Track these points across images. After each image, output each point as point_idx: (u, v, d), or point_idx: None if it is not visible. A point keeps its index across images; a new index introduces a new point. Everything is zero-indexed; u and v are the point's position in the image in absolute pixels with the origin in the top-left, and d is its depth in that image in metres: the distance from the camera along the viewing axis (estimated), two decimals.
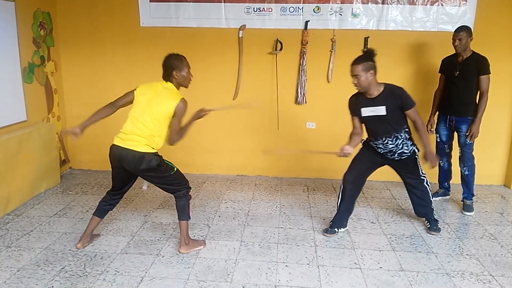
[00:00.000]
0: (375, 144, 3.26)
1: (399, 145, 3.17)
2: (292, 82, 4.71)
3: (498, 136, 4.65)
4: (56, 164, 4.54)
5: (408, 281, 2.74)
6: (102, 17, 4.71)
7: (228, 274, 2.79)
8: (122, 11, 4.67)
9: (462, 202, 4.02)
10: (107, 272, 2.79)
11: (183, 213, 3.01)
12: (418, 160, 3.32)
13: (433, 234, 3.43)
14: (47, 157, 4.33)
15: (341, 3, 4.46)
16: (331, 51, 4.57)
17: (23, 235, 3.32)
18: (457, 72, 3.78)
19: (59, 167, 4.65)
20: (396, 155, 3.23)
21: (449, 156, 4.15)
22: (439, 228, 3.47)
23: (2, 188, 3.64)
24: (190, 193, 3.06)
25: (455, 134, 3.98)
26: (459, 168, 3.98)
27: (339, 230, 3.44)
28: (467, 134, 3.80)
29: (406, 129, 3.17)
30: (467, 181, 3.95)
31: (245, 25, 4.58)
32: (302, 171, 4.94)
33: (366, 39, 4.50)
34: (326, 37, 4.55)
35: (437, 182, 4.30)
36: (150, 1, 4.61)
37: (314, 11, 4.50)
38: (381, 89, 3.06)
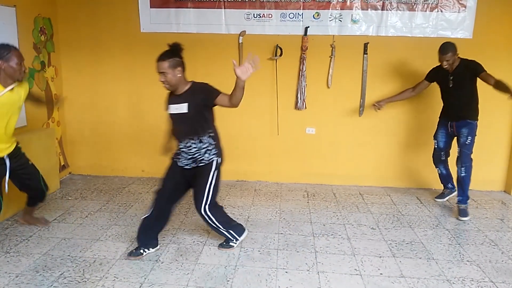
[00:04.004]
0: (179, 150, 2.93)
1: (202, 149, 2.89)
2: (292, 87, 4.72)
3: (499, 142, 4.65)
4: (55, 170, 4.54)
5: None
6: (102, 23, 4.73)
7: (228, 281, 2.78)
8: (123, 17, 4.69)
9: (457, 207, 3.99)
10: (106, 278, 2.78)
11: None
12: (212, 180, 2.94)
13: (220, 249, 3.19)
14: (47, 162, 4.32)
15: (340, 9, 4.47)
16: (331, 57, 4.58)
17: (22, 240, 3.31)
18: (451, 84, 3.83)
19: (58, 172, 4.65)
20: (196, 162, 2.92)
21: (445, 163, 4.20)
22: (231, 246, 3.20)
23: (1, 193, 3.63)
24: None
25: (453, 141, 4.04)
26: (456, 170, 3.97)
27: (146, 251, 3.09)
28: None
29: (211, 134, 2.92)
30: (463, 183, 3.93)
31: (245, 31, 4.59)
32: (302, 177, 4.93)
33: (365, 45, 4.51)
34: (326, 43, 4.56)
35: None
36: (150, 7, 4.63)
37: (314, 17, 4.51)
38: (187, 87, 2.83)
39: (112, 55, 4.80)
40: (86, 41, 4.80)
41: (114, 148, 5.04)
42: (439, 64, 3.84)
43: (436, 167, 4.25)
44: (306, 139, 4.83)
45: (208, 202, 2.95)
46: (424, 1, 4.40)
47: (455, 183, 4.17)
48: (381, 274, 2.90)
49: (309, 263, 3.03)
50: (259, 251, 3.20)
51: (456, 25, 4.42)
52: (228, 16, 4.59)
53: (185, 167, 2.96)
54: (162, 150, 3.18)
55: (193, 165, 2.94)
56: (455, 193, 4.20)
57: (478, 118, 3.89)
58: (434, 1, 4.40)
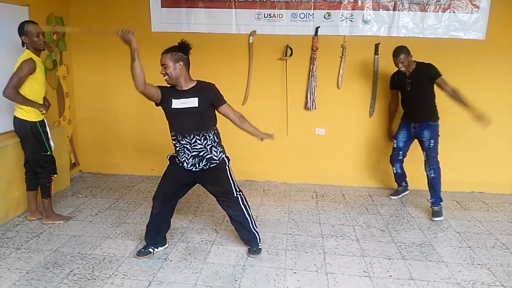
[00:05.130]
0: (181, 147, 2.87)
1: (208, 146, 2.87)
2: (302, 88, 4.70)
3: (509, 145, 4.59)
4: (66, 167, 4.58)
5: None
6: (114, 22, 4.75)
7: (236, 280, 2.78)
8: (134, 17, 4.71)
9: (431, 209, 3.98)
10: (115, 275, 2.80)
11: (44, 192, 3.54)
12: (229, 172, 3.00)
13: (250, 256, 3.11)
14: (58, 160, 4.31)
15: (352, 9, 4.45)
16: (342, 57, 4.56)
17: (32, 237, 3.34)
18: (409, 87, 3.90)
19: (69, 170, 4.69)
20: (204, 161, 2.88)
21: (402, 162, 4.32)
22: (259, 250, 3.16)
23: (13, 190, 3.68)
24: (52, 178, 3.55)
25: (413, 143, 4.16)
26: (426, 174, 3.99)
27: (155, 250, 3.12)
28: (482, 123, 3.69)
29: (216, 132, 2.95)
30: (434, 184, 3.95)
31: (255, 31, 4.59)
32: (311, 177, 4.92)
33: (377, 46, 4.48)
34: (337, 43, 4.54)
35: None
36: (161, 7, 4.66)
37: (324, 18, 4.50)
38: (193, 84, 2.86)
39: (123, 54, 4.79)
40: (97, 40, 4.83)
41: (123, 146, 5.07)
42: (397, 69, 3.93)
43: (392, 166, 4.34)
44: (316, 139, 4.81)
45: (237, 187, 3.03)
46: (437, 2, 4.36)
47: (408, 182, 4.46)
48: (390, 276, 2.88)
49: (318, 264, 3.01)
50: (267, 251, 3.19)
51: (469, 26, 4.37)
52: (238, 16, 4.60)
53: (192, 168, 2.90)
54: None
55: (202, 165, 2.89)
56: (408, 192, 4.49)
57: (439, 117, 3.94)
58: (446, 2, 4.36)
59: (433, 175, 3.94)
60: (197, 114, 2.82)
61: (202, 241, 3.35)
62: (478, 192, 4.71)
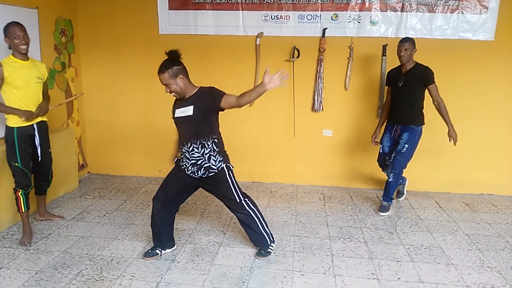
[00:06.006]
0: (183, 154, 2.91)
1: (206, 155, 2.84)
2: (309, 89, 4.70)
3: None
4: (74, 169, 4.61)
5: None
6: (122, 25, 4.79)
7: (243, 282, 2.77)
8: (142, 19, 4.74)
9: (380, 202, 4.09)
10: (123, 277, 2.81)
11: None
12: (231, 180, 2.95)
13: (257, 258, 3.09)
14: (66, 162, 4.40)
15: (359, 10, 4.44)
16: (349, 59, 4.55)
17: (41, 238, 3.37)
18: (401, 83, 3.82)
19: (77, 172, 4.72)
20: (202, 170, 2.85)
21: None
22: (268, 252, 3.13)
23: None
24: (17, 191, 3.29)
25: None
26: (386, 174, 4.02)
27: (162, 251, 3.12)
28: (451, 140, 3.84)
29: (215, 140, 2.87)
30: (388, 187, 4.00)
31: (262, 32, 4.60)
32: (318, 179, 4.90)
33: (384, 47, 4.47)
34: (344, 44, 4.53)
35: (461, 191, 4.47)
36: (169, 9, 4.67)
37: (332, 19, 4.49)
38: (194, 91, 2.83)
39: (131, 56, 4.86)
40: (105, 42, 4.87)
41: (131, 148, 5.10)
42: (396, 66, 3.94)
43: (382, 170, 4.23)
44: (323, 141, 4.80)
45: (240, 193, 2.98)
46: (445, 3, 4.33)
47: (405, 176, 4.30)
48: (398, 278, 2.86)
49: (326, 266, 3.00)
50: (274, 253, 3.18)
51: (478, 27, 4.34)
52: (245, 17, 4.60)
53: (192, 175, 2.91)
54: (172, 159, 3.18)
55: (201, 173, 2.88)
56: (407, 182, 4.40)
57: (424, 123, 3.88)
58: (455, 3, 4.33)
59: (391, 180, 3.94)
60: (192, 122, 2.81)
61: (210, 242, 3.35)
62: (487, 194, 4.67)
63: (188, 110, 2.79)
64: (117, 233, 3.49)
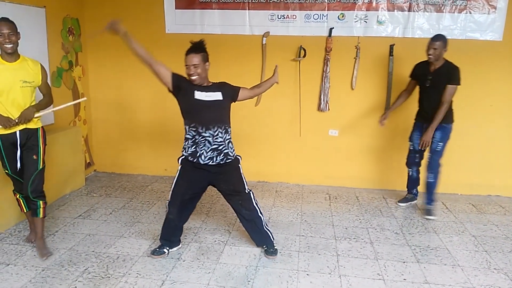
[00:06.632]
0: (202, 140, 2.84)
1: (226, 141, 2.91)
2: (315, 89, 4.69)
3: None
4: (81, 167, 4.63)
5: None
6: (128, 24, 4.74)
7: (249, 281, 2.78)
8: (148, 18, 4.75)
9: (424, 206, 4.02)
10: (129, 274, 2.82)
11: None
12: (241, 171, 3.04)
13: (268, 257, 3.10)
14: (73, 160, 4.42)
15: (366, 10, 4.42)
16: (356, 58, 4.53)
17: (48, 235, 3.39)
18: (429, 83, 3.77)
19: (84, 170, 4.74)
20: (222, 155, 2.89)
21: (418, 165, 4.15)
22: (276, 250, 3.15)
23: None
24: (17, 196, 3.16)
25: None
26: (426, 175, 3.96)
27: (169, 250, 3.14)
28: (420, 141, 3.86)
29: (230, 129, 2.98)
30: (430, 188, 3.96)
31: (268, 32, 4.59)
32: (324, 179, 4.89)
33: (391, 47, 4.45)
34: (351, 44, 4.51)
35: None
36: (175, 8, 4.68)
37: (338, 18, 4.48)
38: (210, 82, 2.94)
39: None
40: (112, 41, 4.85)
41: (137, 146, 5.11)
42: (422, 61, 3.87)
43: (408, 168, 4.19)
44: (329, 141, 4.79)
45: (247, 185, 3.05)
46: (452, 3, 4.31)
47: (419, 190, 4.24)
48: (404, 279, 2.85)
49: (331, 266, 3.00)
50: (280, 252, 3.18)
51: (486, 27, 4.31)
52: (252, 17, 4.60)
53: (209, 162, 2.87)
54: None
55: (219, 159, 2.88)
56: (415, 202, 4.29)
57: (454, 120, 3.86)
58: (462, 3, 4.30)
59: (431, 180, 3.91)
60: (221, 107, 2.90)
61: (215, 241, 3.36)
62: (494, 195, 4.64)
63: (217, 95, 2.87)
64: (123, 231, 3.51)
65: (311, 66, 4.62)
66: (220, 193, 3.12)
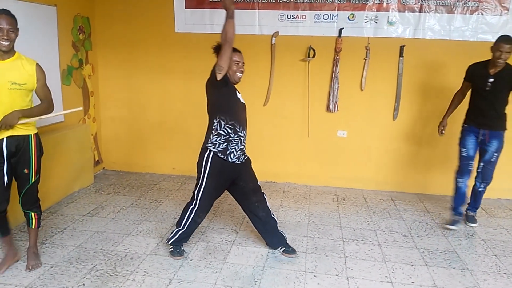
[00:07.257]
0: (237, 138, 2.87)
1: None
2: (324, 89, 4.67)
3: None
4: (90, 165, 4.66)
5: None
6: (138, 23, 4.82)
7: (256, 281, 2.77)
8: (158, 17, 4.77)
9: (466, 213, 3.87)
10: (137, 272, 2.83)
11: None
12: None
13: (289, 256, 3.11)
14: (82, 158, 4.45)
15: (376, 11, 4.40)
16: (365, 59, 4.50)
17: (57, 232, 3.41)
18: (489, 86, 3.47)
19: (92, 168, 4.77)
20: (244, 156, 3.02)
21: (470, 174, 3.71)
22: (294, 249, 3.17)
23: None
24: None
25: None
26: (475, 183, 3.75)
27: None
28: None
29: None
30: (478, 197, 3.79)
31: (278, 32, 4.58)
32: (332, 180, 4.87)
33: (402, 48, 4.41)
34: (361, 45, 4.49)
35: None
36: (185, 8, 4.69)
37: (348, 19, 4.45)
38: None
39: (147, 54, 4.89)
40: (122, 40, 4.91)
41: (146, 145, 5.13)
42: (477, 62, 3.61)
43: (459, 178, 3.70)
44: (337, 142, 4.77)
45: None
46: (464, 4, 4.26)
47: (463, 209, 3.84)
48: (412, 283, 2.82)
49: (338, 268, 2.98)
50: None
51: (498, 28, 4.26)
52: (261, 17, 4.59)
53: (236, 161, 2.90)
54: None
55: (244, 158, 3.00)
56: (462, 226, 3.80)
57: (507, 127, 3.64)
58: (474, 4, 4.25)
59: (482, 189, 3.73)
60: (246, 110, 3.03)
61: (222, 241, 3.36)
62: (504, 199, 4.59)
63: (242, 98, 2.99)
64: (131, 229, 3.52)
65: (321, 66, 4.60)
66: (228, 193, 3.13)
